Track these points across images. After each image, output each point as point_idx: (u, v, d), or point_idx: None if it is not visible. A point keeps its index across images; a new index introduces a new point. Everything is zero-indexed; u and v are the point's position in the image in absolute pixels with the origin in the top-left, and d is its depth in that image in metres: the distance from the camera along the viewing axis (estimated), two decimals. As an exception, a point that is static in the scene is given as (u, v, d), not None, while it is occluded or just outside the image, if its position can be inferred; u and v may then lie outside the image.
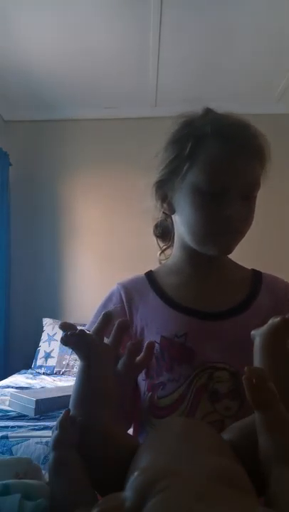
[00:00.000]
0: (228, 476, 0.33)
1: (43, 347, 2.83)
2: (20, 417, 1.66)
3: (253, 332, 0.53)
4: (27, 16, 2.22)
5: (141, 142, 3.21)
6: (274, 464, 0.37)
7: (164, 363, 0.67)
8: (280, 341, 0.49)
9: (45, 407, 1.68)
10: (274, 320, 0.50)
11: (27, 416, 1.66)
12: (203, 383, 0.63)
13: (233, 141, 0.64)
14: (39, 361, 2.78)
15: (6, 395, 1.94)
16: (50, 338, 2.84)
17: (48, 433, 1.42)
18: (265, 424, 0.39)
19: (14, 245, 3.09)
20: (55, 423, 0.48)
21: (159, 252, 0.84)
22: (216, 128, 0.65)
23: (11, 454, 1.34)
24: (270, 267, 0.86)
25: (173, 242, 0.79)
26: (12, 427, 1.51)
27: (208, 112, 0.71)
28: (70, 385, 2.06)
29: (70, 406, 0.52)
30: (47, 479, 0.47)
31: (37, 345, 2.87)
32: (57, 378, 2.54)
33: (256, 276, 0.75)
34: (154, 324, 0.71)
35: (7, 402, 1.83)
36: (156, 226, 0.82)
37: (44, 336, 2.88)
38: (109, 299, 0.80)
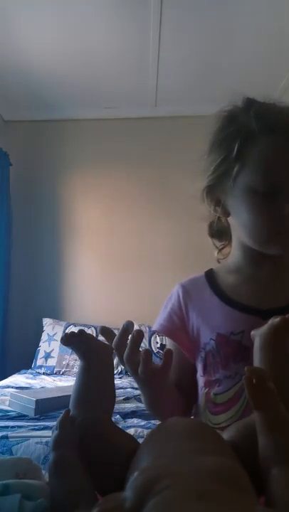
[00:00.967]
0: (228, 476, 0.33)
1: (43, 347, 2.83)
2: (20, 417, 1.66)
3: (252, 332, 0.53)
4: (27, 16, 2.22)
5: (141, 142, 3.22)
6: (274, 463, 0.37)
7: (219, 360, 0.68)
8: (280, 341, 0.49)
9: (45, 407, 1.68)
10: (274, 320, 0.50)
11: (27, 416, 1.66)
12: None
13: (282, 135, 0.61)
14: (39, 361, 2.78)
15: (6, 395, 1.94)
16: (50, 338, 2.84)
17: (48, 433, 1.42)
18: (265, 424, 0.39)
19: (14, 245, 3.09)
20: (55, 423, 0.48)
21: (216, 252, 0.82)
22: (263, 123, 0.63)
23: (11, 454, 1.34)
24: None
25: (230, 240, 0.78)
26: (12, 427, 1.51)
27: (249, 103, 0.67)
28: (70, 385, 2.06)
29: (70, 406, 0.52)
30: (47, 479, 0.47)
31: (37, 345, 2.87)
32: (57, 378, 2.54)
33: None
34: (210, 322, 0.71)
35: (7, 402, 1.82)
36: (211, 226, 0.79)
37: (44, 336, 2.88)
38: (169, 299, 0.81)
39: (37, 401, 1.67)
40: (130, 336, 0.58)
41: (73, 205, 3.21)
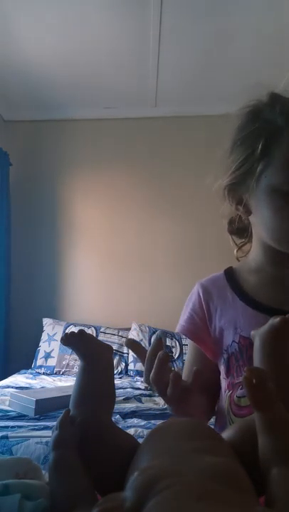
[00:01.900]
0: (228, 476, 0.33)
1: (43, 347, 2.83)
2: (20, 417, 1.66)
3: (252, 332, 0.53)
4: (27, 16, 2.22)
5: (141, 142, 3.22)
6: (274, 464, 0.37)
7: (242, 363, 0.67)
8: (280, 341, 0.49)
9: (45, 407, 1.68)
10: (274, 320, 0.50)
11: (27, 416, 1.66)
12: None
13: None
14: (39, 361, 2.78)
15: (6, 395, 1.94)
16: (50, 338, 2.84)
17: (48, 433, 1.42)
18: (265, 424, 0.39)
19: (14, 245, 3.09)
20: (55, 423, 0.48)
21: (236, 249, 0.80)
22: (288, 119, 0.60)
23: (11, 454, 1.34)
24: None
25: (250, 238, 0.76)
26: (12, 427, 1.51)
27: (274, 98, 0.66)
28: (70, 385, 2.06)
29: (70, 406, 0.52)
30: (47, 479, 0.47)
31: (37, 345, 2.87)
32: (57, 378, 2.54)
33: None
34: (233, 324, 0.70)
35: (7, 402, 1.83)
36: (231, 223, 0.77)
37: (44, 336, 2.88)
38: (189, 299, 0.80)
39: (37, 401, 1.67)
40: (157, 359, 0.56)
41: (73, 205, 3.21)
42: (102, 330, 2.84)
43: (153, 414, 1.68)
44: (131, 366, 2.69)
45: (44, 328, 2.93)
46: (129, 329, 2.87)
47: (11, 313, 3.03)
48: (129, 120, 3.20)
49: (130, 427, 1.48)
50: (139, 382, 2.37)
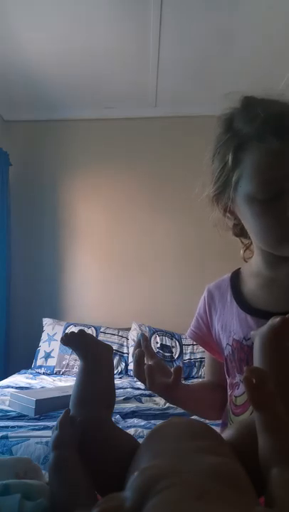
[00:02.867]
0: (228, 475, 0.33)
1: (43, 347, 2.83)
2: (20, 417, 1.66)
3: (252, 332, 0.53)
4: (27, 16, 2.22)
5: (141, 142, 3.22)
6: (274, 463, 0.37)
7: (235, 365, 0.71)
8: (280, 341, 0.49)
9: (45, 407, 1.68)
10: (274, 320, 0.50)
11: (27, 416, 1.66)
12: None
13: (275, 139, 0.59)
14: (39, 361, 2.77)
15: (6, 395, 1.94)
16: (50, 338, 2.84)
17: (48, 433, 1.41)
18: (264, 424, 0.39)
19: (14, 245, 3.09)
20: (55, 423, 0.48)
21: (242, 250, 0.81)
22: (253, 127, 0.61)
23: (11, 454, 1.34)
24: None
25: None
26: (12, 427, 1.51)
27: (244, 105, 0.66)
28: (70, 385, 2.06)
29: (70, 406, 0.52)
30: (47, 479, 0.47)
31: (37, 345, 2.87)
32: (57, 378, 2.54)
33: None
34: (228, 328, 0.73)
35: (7, 402, 1.82)
36: (234, 226, 0.77)
37: (44, 336, 2.88)
38: (199, 303, 0.84)
39: (37, 401, 1.67)
40: (134, 356, 0.65)
41: (73, 205, 3.21)
42: (102, 330, 2.84)
43: (153, 414, 1.68)
44: (131, 366, 2.68)
45: (44, 328, 2.93)
46: (129, 329, 2.86)
47: (11, 313, 3.03)
48: (129, 120, 3.20)
49: (130, 427, 1.48)
50: (139, 382, 2.36)
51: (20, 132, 3.25)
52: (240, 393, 0.69)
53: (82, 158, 3.21)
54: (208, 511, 0.28)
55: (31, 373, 2.66)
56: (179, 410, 1.31)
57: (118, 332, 2.84)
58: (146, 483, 0.30)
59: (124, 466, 0.43)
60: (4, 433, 1.42)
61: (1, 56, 2.54)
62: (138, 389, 2.17)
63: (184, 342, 2.71)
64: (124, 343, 2.78)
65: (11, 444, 1.37)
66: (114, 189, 3.18)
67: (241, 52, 2.51)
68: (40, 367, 2.74)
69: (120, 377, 2.52)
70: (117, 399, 1.72)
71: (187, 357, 2.66)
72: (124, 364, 2.70)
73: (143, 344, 0.70)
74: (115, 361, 2.67)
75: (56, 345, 2.78)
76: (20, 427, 1.51)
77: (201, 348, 2.08)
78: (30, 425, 1.52)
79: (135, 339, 2.73)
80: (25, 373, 2.66)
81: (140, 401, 1.95)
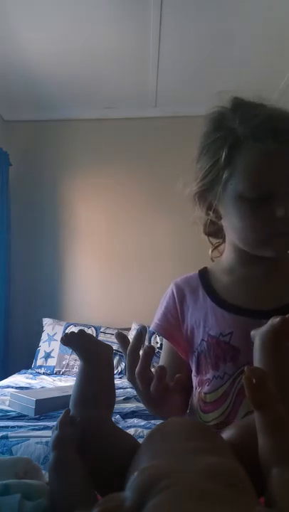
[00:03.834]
0: (228, 475, 0.33)
1: (43, 347, 2.83)
2: (20, 417, 1.66)
3: (252, 332, 0.53)
4: (27, 16, 2.22)
5: (141, 142, 3.22)
6: (274, 463, 0.37)
7: (210, 361, 0.69)
8: (280, 341, 0.49)
9: (45, 407, 1.68)
10: (274, 320, 0.50)
11: (27, 416, 1.66)
12: None
13: (269, 141, 0.59)
14: (39, 361, 2.78)
15: (6, 395, 1.94)
16: (50, 338, 2.84)
17: (48, 433, 1.41)
18: (264, 424, 0.39)
19: (14, 245, 3.09)
20: (55, 423, 0.48)
21: (211, 249, 0.82)
22: (249, 129, 0.62)
23: (11, 454, 1.34)
24: None
25: (225, 238, 0.78)
26: (12, 427, 1.51)
27: (236, 105, 0.66)
28: (70, 385, 2.06)
29: (70, 406, 0.52)
30: (47, 479, 0.47)
31: (37, 345, 2.87)
32: (57, 378, 2.54)
33: None
34: (202, 323, 0.72)
35: (7, 402, 1.82)
36: (205, 225, 0.78)
37: (44, 336, 2.88)
38: (164, 298, 0.82)
39: (37, 401, 1.67)
40: (142, 352, 0.58)
41: (73, 205, 3.21)
42: (102, 330, 2.84)
43: (153, 415, 1.68)
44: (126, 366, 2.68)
45: (44, 328, 2.93)
46: (129, 329, 2.86)
47: (11, 313, 3.03)
48: (129, 120, 3.20)
49: (130, 427, 1.48)
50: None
51: (20, 132, 3.25)
52: (211, 390, 0.68)
53: (82, 158, 3.21)
54: (208, 511, 0.27)
55: (31, 373, 2.66)
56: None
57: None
58: (147, 483, 0.30)
59: (124, 466, 0.43)
60: (4, 433, 1.42)
61: (1, 56, 2.54)
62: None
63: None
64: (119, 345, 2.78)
65: (11, 444, 1.37)
66: (114, 189, 3.18)
67: (241, 53, 2.50)
68: (40, 367, 2.74)
69: (120, 377, 2.52)
70: (117, 399, 1.71)
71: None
72: (124, 364, 2.69)
73: (144, 340, 0.66)
74: (115, 361, 2.67)
75: (56, 345, 2.78)
76: (21, 427, 1.51)
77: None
78: (30, 425, 1.52)
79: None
80: (25, 373, 2.66)
81: (140, 401, 1.95)
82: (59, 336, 2.79)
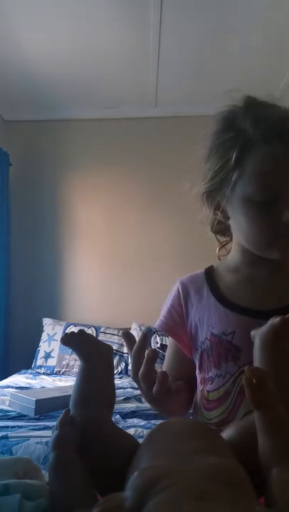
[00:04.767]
0: (227, 475, 0.33)
1: (43, 347, 2.83)
2: (20, 417, 1.66)
3: (252, 332, 0.53)
4: (27, 16, 2.22)
5: (141, 142, 3.22)
6: (274, 463, 0.37)
7: (212, 359, 0.70)
8: (280, 341, 0.49)
9: (45, 407, 1.68)
10: (274, 320, 0.50)
11: (27, 416, 1.66)
12: None
13: (280, 144, 0.59)
14: (39, 361, 2.78)
15: (6, 395, 1.94)
16: (50, 338, 2.84)
17: (48, 433, 1.41)
18: (264, 424, 0.39)
19: (14, 245, 3.09)
20: (55, 423, 0.48)
21: (218, 248, 0.82)
22: (261, 131, 0.61)
23: (11, 454, 1.34)
24: None
25: (232, 237, 0.78)
26: (12, 427, 1.51)
27: (248, 104, 0.66)
28: (70, 385, 2.06)
29: (70, 406, 0.52)
30: (47, 479, 0.47)
31: (37, 345, 2.87)
32: (57, 378, 2.54)
33: None
34: (205, 321, 0.73)
35: (7, 402, 1.82)
36: (213, 224, 0.78)
37: (44, 336, 2.88)
38: (169, 296, 0.83)
39: (37, 401, 1.67)
40: (146, 355, 0.59)
41: (73, 205, 3.21)
42: (102, 330, 2.84)
43: (153, 414, 1.68)
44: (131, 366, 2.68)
45: (44, 328, 2.93)
46: (129, 329, 2.86)
47: (11, 313, 3.03)
48: (129, 120, 3.20)
49: (130, 427, 1.48)
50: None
51: (20, 132, 3.25)
52: (213, 389, 0.69)
53: (82, 158, 3.21)
54: (208, 511, 0.27)
55: (31, 373, 2.66)
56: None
57: (118, 332, 2.84)
58: (147, 483, 0.30)
59: (124, 466, 0.43)
60: (4, 433, 1.42)
61: (1, 56, 2.54)
62: (138, 389, 2.16)
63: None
64: (125, 343, 2.78)
65: (11, 444, 1.37)
66: (114, 189, 3.18)
67: (241, 53, 2.50)
68: (40, 367, 2.74)
69: (120, 377, 2.52)
70: (117, 399, 1.72)
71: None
72: (124, 364, 2.70)
73: (147, 341, 0.67)
74: (115, 361, 2.67)
75: (56, 345, 2.78)
76: (21, 427, 1.51)
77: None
78: (30, 425, 1.52)
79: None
80: (25, 373, 2.66)
81: (140, 401, 1.95)
82: (59, 336, 2.79)
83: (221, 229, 0.78)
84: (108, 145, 3.20)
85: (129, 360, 0.62)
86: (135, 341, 0.61)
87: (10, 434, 1.42)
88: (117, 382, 2.29)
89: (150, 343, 2.68)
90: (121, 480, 0.41)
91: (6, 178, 3.04)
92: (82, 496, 0.42)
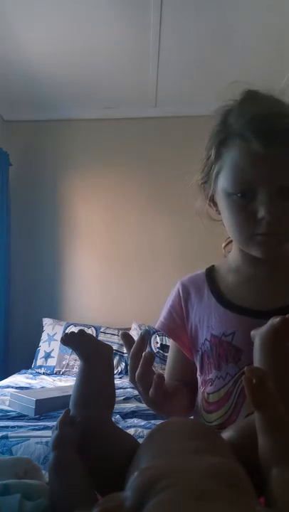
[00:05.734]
0: (227, 475, 0.33)
1: (43, 347, 2.83)
2: (20, 417, 1.66)
3: (252, 332, 0.53)
4: (27, 16, 2.22)
5: (141, 142, 3.22)
6: (274, 463, 0.37)
7: (212, 361, 0.69)
8: (280, 341, 0.49)
9: (45, 407, 1.68)
10: (274, 320, 0.50)
11: (27, 416, 1.66)
12: None
13: (256, 139, 0.59)
14: (39, 361, 2.78)
15: (6, 395, 1.94)
16: (50, 338, 2.84)
17: (48, 433, 1.41)
18: (264, 424, 0.39)
19: (14, 245, 3.09)
20: (55, 423, 0.48)
21: (224, 243, 0.81)
22: (240, 125, 0.61)
23: (11, 454, 1.34)
24: None
25: None
26: (12, 427, 1.51)
27: (244, 99, 0.66)
28: (70, 385, 2.06)
29: (70, 406, 0.52)
30: (47, 479, 0.47)
31: (37, 345, 2.87)
32: (57, 378, 2.54)
33: None
34: (205, 322, 0.72)
35: (7, 402, 1.82)
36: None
37: (44, 336, 2.88)
38: (170, 297, 0.82)
39: (37, 401, 1.67)
40: (142, 357, 0.58)
41: (73, 205, 3.21)
42: (102, 330, 2.84)
43: (153, 414, 1.68)
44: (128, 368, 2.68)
45: (44, 328, 2.93)
46: (129, 329, 2.86)
47: (11, 313, 3.03)
48: (129, 120, 3.20)
49: (130, 427, 1.48)
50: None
51: (20, 132, 3.25)
52: (214, 390, 0.68)
53: (82, 158, 3.21)
54: (208, 511, 0.27)
55: (31, 373, 2.66)
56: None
57: (118, 332, 2.84)
58: (146, 483, 0.30)
59: (124, 466, 0.43)
60: (4, 433, 1.42)
61: (1, 56, 2.54)
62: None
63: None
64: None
65: (11, 444, 1.37)
66: (114, 189, 3.18)
67: (241, 53, 2.50)
68: (40, 367, 2.74)
69: (120, 377, 2.52)
70: (117, 399, 1.71)
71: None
72: (124, 364, 2.69)
73: (146, 343, 0.67)
74: (115, 361, 2.67)
75: (56, 345, 2.78)
76: (21, 427, 1.51)
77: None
78: (30, 425, 1.52)
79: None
80: (25, 373, 2.66)
81: (140, 401, 1.95)
82: (59, 336, 2.79)
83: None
84: (108, 145, 3.20)
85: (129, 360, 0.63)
86: (134, 342, 0.61)
87: (10, 434, 1.42)
88: (117, 382, 2.29)
89: (150, 343, 2.68)
90: (121, 480, 0.41)
91: (6, 178, 3.04)
92: (82, 495, 0.42)
